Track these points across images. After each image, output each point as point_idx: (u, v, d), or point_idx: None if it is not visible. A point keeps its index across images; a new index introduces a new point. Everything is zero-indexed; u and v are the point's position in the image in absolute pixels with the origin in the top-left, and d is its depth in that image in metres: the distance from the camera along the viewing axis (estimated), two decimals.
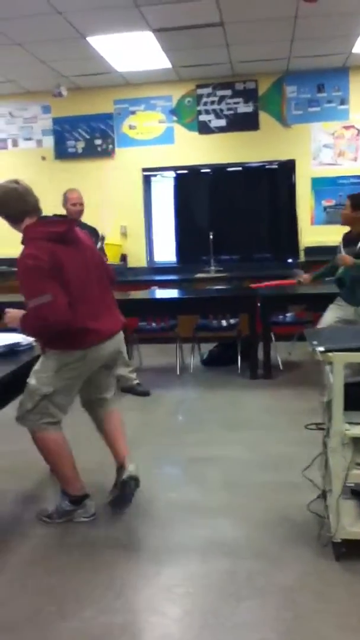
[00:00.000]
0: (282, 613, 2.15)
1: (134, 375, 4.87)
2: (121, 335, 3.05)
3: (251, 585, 2.33)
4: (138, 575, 2.44)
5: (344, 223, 4.44)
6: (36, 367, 2.86)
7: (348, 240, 4.37)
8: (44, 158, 7.19)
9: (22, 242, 2.75)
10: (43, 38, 5.22)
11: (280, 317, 5.81)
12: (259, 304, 5.26)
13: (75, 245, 2.80)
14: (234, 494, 3.12)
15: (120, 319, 3.04)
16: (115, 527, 2.82)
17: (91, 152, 7.08)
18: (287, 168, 6.85)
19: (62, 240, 2.72)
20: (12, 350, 3.12)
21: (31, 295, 2.61)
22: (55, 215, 2.92)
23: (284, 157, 6.85)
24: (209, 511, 2.95)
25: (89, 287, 2.80)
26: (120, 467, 3.00)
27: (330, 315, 4.39)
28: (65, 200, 4.84)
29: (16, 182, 2.82)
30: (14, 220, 2.79)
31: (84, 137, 7.07)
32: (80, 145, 7.07)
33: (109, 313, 2.93)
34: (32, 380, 2.81)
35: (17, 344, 3.16)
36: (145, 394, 4.84)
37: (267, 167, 6.92)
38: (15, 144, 7.26)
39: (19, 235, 2.87)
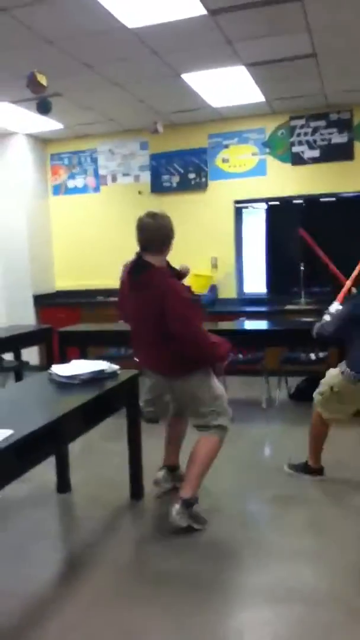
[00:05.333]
0: None
1: None
2: (177, 381, 3.10)
3: (331, 638, 2.18)
4: (208, 615, 2.36)
5: None
6: None
7: None
8: (140, 192, 7.43)
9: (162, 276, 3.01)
10: (140, 77, 5.44)
11: None
12: None
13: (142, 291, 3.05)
14: (319, 539, 2.96)
15: (159, 364, 3.13)
16: (189, 562, 2.76)
17: (185, 186, 7.22)
18: None
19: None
20: (97, 378, 3.18)
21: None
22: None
23: None
24: (289, 555, 2.81)
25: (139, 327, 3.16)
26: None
27: None
28: None
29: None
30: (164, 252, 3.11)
31: (179, 171, 7.24)
32: (175, 179, 7.24)
33: (148, 354, 3.20)
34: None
35: (101, 372, 3.22)
36: None
37: None
38: (114, 179, 7.56)
39: (115, 268, 3.28)
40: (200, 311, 3.17)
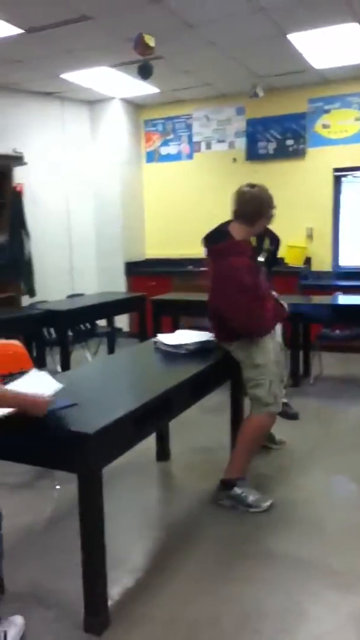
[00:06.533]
0: None
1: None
2: (226, 346, 3.11)
3: None
4: (320, 600, 2.28)
5: None
6: None
7: None
8: (235, 160, 7.24)
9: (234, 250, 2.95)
10: (242, 38, 5.21)
11: None
12: None
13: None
14: None
15: (215, 329, 3.20)
16: (293, 541, 2.69)
17: (282, 153, 6.96)
18: None
19: None
20: (203, 349, 3.13)
21: None
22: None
23: None
24: None
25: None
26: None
27: None
28: None
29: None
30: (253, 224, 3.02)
31: (276, 137, 6.98)
32: (272, 146, 6.99)
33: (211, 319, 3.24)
34: None
35: (208, 342, 3.16)
36: (293, 417, 4.31)
37: None
38: (208, 146, 7.41)
39: (198, 237, 3.14)
40: (260, 291, 2.98)
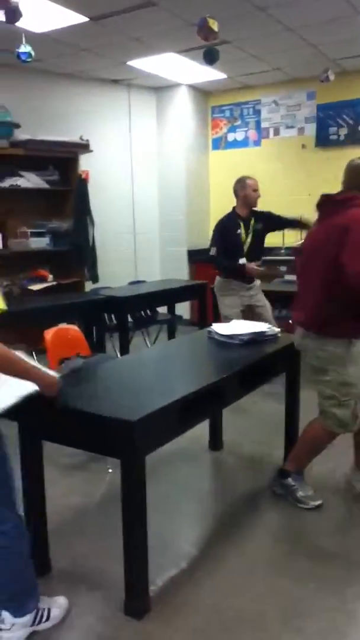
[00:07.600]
0: None
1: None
2: (305, 335, 2.77)
3: None
4: None
5: None
6: None
7: None
8: (304, 146, 7.04)
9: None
10: (316, 20, 5.03)
11: None
12: None
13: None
14: None
15: (301, 314, 2.81)
16: (348, 543, 2.60)
17: (354, 139, 6.70)
18: None
19: None
20: (258, 339, 3.07)
21: None
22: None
23: None
24: None
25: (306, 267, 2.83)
26: None
27: None
28: (245, 186, 4.53)
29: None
30: None
31: (348, 123, 6.72)
32: (343, 131, 6.75)
33: (301, 299, 2.84)
34: None
35: (262, 333, 3.10)
36: None
37: None
38: (277, 132, 7.24)
39: None
40: None
